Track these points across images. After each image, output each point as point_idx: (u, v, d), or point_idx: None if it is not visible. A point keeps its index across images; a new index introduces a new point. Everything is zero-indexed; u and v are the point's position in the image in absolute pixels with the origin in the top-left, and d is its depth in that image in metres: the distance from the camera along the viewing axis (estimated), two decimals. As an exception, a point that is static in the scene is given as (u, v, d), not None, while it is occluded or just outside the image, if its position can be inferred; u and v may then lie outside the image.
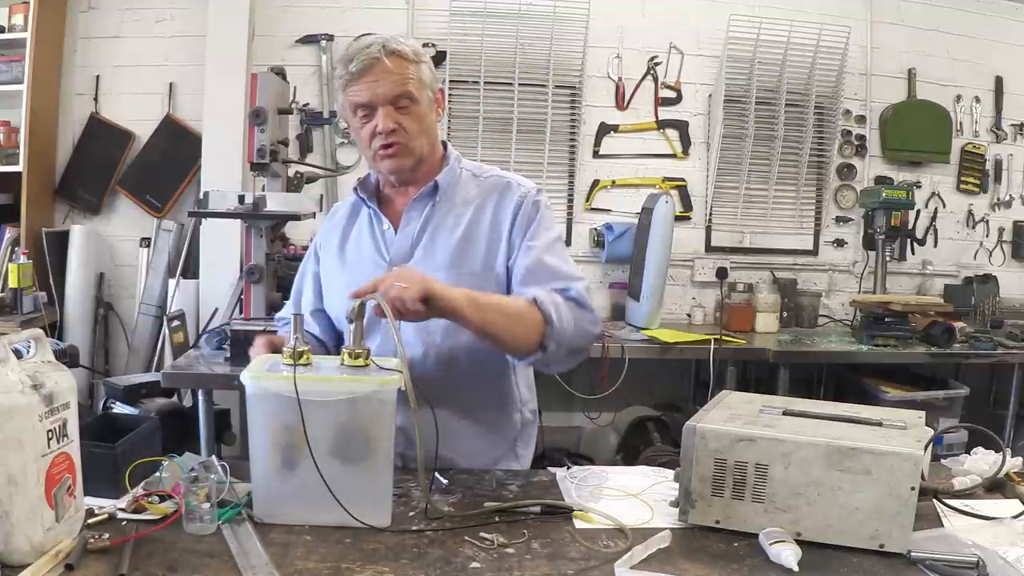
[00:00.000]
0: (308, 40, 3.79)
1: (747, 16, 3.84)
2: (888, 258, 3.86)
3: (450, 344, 1.56)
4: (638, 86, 3.96)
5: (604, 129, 3.96)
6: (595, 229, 3.94)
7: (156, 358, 3.68)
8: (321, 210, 3.70)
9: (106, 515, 1.22)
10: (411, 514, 1.29)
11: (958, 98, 4.14)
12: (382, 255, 1.61)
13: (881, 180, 4.07)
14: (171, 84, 3.76)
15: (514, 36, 3.78)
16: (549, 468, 1.58)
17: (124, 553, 1.10)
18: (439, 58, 3.79)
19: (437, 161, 1.65)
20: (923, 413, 1.34)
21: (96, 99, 3.76)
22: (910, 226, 3.79)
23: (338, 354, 1.33)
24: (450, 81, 3.79)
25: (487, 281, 1.57)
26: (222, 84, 3.48)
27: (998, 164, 4.20)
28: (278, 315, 1.90)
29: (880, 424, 1.27)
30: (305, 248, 3.19)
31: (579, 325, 1.50)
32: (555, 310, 1.46)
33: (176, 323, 2.99)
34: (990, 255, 4.24)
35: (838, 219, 4.14)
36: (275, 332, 1.67)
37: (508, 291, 1.58)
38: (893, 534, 1.15)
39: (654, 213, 3.46)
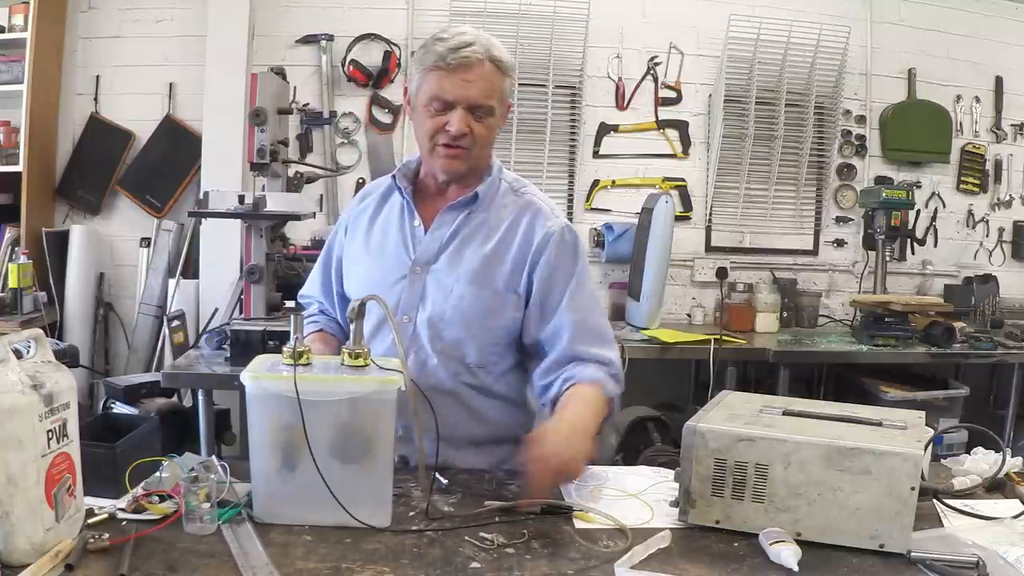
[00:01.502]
0: (308, 40, 3.79)
1: (747, 16, 3.84)
2: (888, 258, 3.86)
3: (460, 355, 1.56)
4: (638, 86, 3.96)
5: (604, 129, 3.96)
6: (595, 229, 3.93)
7: (156, 358, 3.68)
8: (321, 210, 3.72)
9: (106, 515, 1.22)
10: (411, 514, 1.29)
11: (958, 98, 4.14)
12: (408, 252, 1.59)
13: (881, 180, 4.07)
14: (171, 84, 3.76)
15: (514, 36, 3.78)
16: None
17: (124, 553, 1.10)
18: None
19: (482, 171, 1.63)
20: (923, 413, 1.34)
21: (96, 99, 3.76)
22: (910, 226, 3.79)
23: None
24: (450, 81, 3.79)
25: (507, 302, 1.57)
26: (222, 84, 3.48)
27: (998, 164, 4.20)
28: (301, 292, 1.83)
29: (880, 424, 1.27)
30: (306, 248, 3.24)
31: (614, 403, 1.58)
32: (615, 405, 1.57)
33: (176, 323, 2.99)
34: (990, 255, 4.24)
35: (838, 219, 4.14)
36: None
37: (526, 309, 1.58)
38: (893, 534, 1.15)
39: (654, 213, 3.46)
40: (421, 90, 1.51)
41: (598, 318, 1.62)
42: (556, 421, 1.44)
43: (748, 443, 1.21)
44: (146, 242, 3.77)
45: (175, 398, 2.87)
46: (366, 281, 1.60)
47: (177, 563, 1.10)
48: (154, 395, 2.72)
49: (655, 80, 3.97)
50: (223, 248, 3.41)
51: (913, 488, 1.14)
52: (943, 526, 1.28)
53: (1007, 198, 4.23)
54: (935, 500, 1.37)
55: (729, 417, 1.29)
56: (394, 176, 1.65)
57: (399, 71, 3.81)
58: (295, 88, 3.34)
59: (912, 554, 1.14)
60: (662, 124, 3.99)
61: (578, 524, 1.27)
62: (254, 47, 3.62)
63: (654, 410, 3.64)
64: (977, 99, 4.16)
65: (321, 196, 3.78)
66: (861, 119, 4.10)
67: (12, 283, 3.31)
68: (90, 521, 1.19)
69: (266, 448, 1.23)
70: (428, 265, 1.57)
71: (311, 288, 1.80)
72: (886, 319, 3.41)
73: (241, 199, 2.62)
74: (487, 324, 1.56)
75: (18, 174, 3.49)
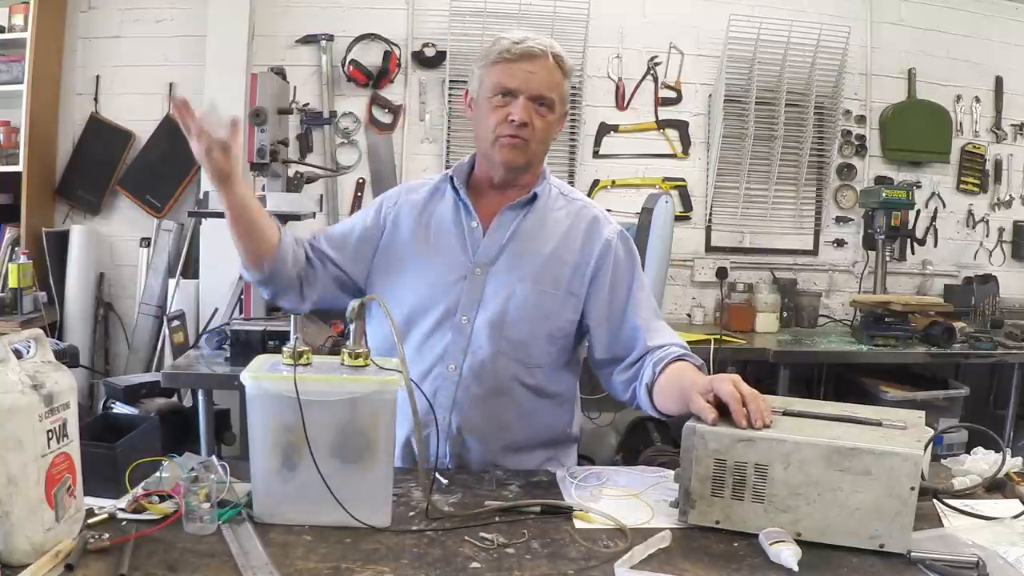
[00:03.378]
0: (308, 40, 3.79)
1: (747, 16, 3.84)
2: (888, 258, 3.86)
3: (519, 356, 1.58)
4: (638, 86, 3.96)
5: (604, 129, 3.96)
6: (595, 229, 3.93)
7: (156, 358, 3.68)
8: (321, 210, 3.72)
9: (106, 515, 1.22)
10: (411, 514, 1.29)
11: (958, 98, 4.14)
12: (467, 253, 1.60)
13: (881, 180, 4.07)
14: (171, 84, 3.76)
15: (514, 36, 3.77)
16: (549, 468, 1.59)
17: (124, 553, 1.10)
18: (439, 58, 3.79)
19: (536, 173, 1.66)
20: (923, 413, 1.34)
21: (96, 99, 3.76)
22: (910, 226, 3.79)
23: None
24: (450, 81, 3.79)
25: (566, 303, 1.59)
26: (222, 84, 3.47)
27: (998, 164, 4.20)
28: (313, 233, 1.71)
29: (880, 424, 1.27)
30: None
31: None
32: None
33: (176, 323, 2.99)
34: (990, 255, 4.23)
35: (838, 219, 4.14)
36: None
37: (583, 313, 1.61)
38: (893, 534, 1.15)
39: (654, 213, 3.45)
40: (484, 84, 1.55)
41: (656, 308, 1.66)
42: (704, 379, 1.39)
43: (748, 443, 1.21)
44: (146, 242, 3.77)
45: (175, 398, 2.87)
46: (423, 283, 1.59)
47: (177, 563, 1.10)
48: (154, 395, 2.72)
49: (655, 80, 3.96)
50: (223, 248, 3.35)
51: (913, 488, 1.14)
52: (943, 526, 1.28)
53: (1007, 198, 4.23)
54: (935, 500, 1.37)
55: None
56: (451, 177, 1.65)
57: (399, 71, 3.81)
58: (295, 88, 3.34)
59: (912, 554, 1.14)
60: (662, 124, 3.99)
61: (578, 524, 1.27)
62: (254, 47, 3.62)
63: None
64: (977, 99, 4.15)
65: (321, 196, 3.78)
66: (861, 119, 4.10)
67: (12, 283, 3.31)
68: (90, 521, 1.19)
69: (266, 448, 1.23)
70: (488, 266, 1.58)
71: (303, 229, 1.72)
72: (886, 319, 3.41)
73: (241, 199, 2.61)
74: (547, 324, 1.58)
75: (18, 174, 3.48)
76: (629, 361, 1.60)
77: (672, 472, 1.35)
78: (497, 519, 1.28)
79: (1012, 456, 1.50)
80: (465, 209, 1.62)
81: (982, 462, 1.52)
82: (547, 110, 1.54)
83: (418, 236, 1.63)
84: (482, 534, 1.21)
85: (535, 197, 1.61)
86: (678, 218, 3.76)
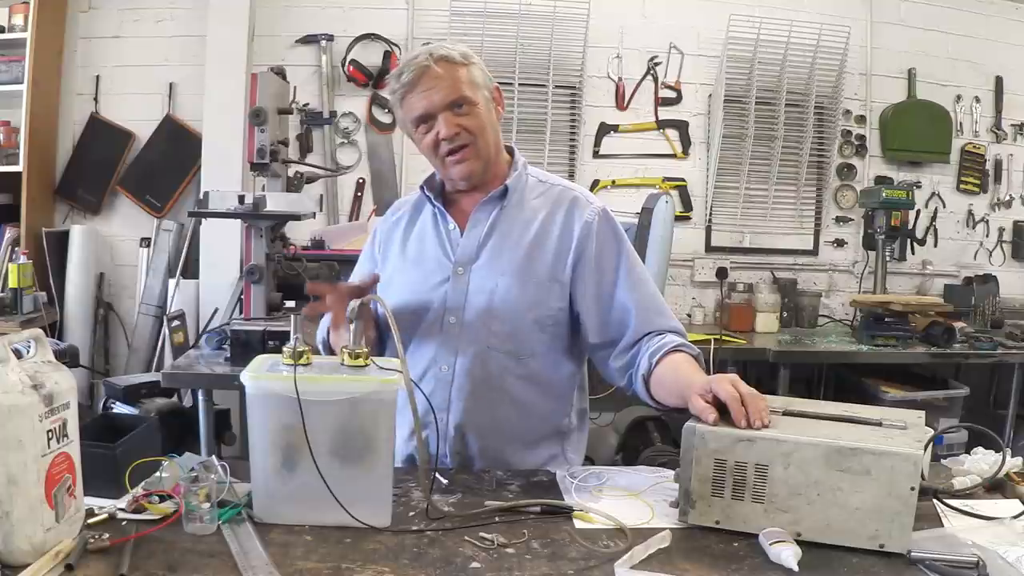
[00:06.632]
0: (308, 40, 3.80)
1: (747, 16, 3.85)
2: (888, 258, 3.86)
3: (509, 348, 1.57)
4: (638, 86, 3.97)
5: (604, 129, 3.96)
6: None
7: (156, 358, 3.68)
8: (321, 210, 3.72)
9: (106, 515, 1.22)
10: (411, 514, 1.29)
11: (958, 98, 4.14)
12: (447, 255, 1.61)
13: (881, 180, 4.07)
14: (171, 84, 3.76)
15: (514, 36, 3.78)
16: (555, 463, 1.59)
17: (124, 553, 1.10)
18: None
19: (504, 165, 1.65)
20: (923, 413, 1.33)
21: (96, 99, 3.76)
22: (910, 226, 3.79)
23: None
24: (450, 81, 3.79)
25: (551, 291, 1.58)
26: (222, 84, 3.48)
27: (998, 164, 4.20)
28: None
29: (880, 424, 1.27)
30: (305, 248, 3.24)
31: None
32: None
33: (176, 323, 2.99)
34: (990, 255, 4.24)
35: (838, 219, 4.14)
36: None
37: (571, 299, 1.59)
38: (893, 534, 1.15)
39: (654, 213, 3.45)
40: (405, 121, 1.59)
41: (654, 290, 1.64)
42: (702, 379, 1.39)
43: (748, 443, 1.21)
44: (146, 242, 3.77)
45: (175, 398, 2.88)
46: (410, 291, 1.61)
47: (177, 563, 1.10)
48: (154, 395, 2.73)
49: (655, 80, 3.97)
50: (223, 248, 3.41)
51: (913, 488, 1.14)
52: (943, 526, 1.28)
53: (1007, 198, 4.23)
54: (935, 500, 1.36)
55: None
56: (422, 187, 1.67)
57: (399, 71, 3.81)
58: (295, 88, 3.34)
59: (912, 554, 1.14)
60: (662, 124, 3.99)
61: (578, 524, 1.27)
62: (254, 47, 3.62)
63: (654, 410, 3.64)
64: (977, 99, 4.16)
65: (321, 196, 3.79)
66: (861, 119, 4.10)
67: (12, 283, 3.31)
68: (90, 521, 1.19)
69: (266, 448, 1.23)
70: (469, 264, 1.59)
71: None
72: (886, 319, 3.41)
73: (241, 199, 2.62)
74: (534, 314, 1.57)
75: (18, 174, 3.49)
76: (624, 345, 1.59)
77: (672, 472, 1.35)
78: (497, 519, 1.28)
79: (1012, 456, 1.50)
80: (441, 214, 1.64)
81: (982, 462, 1.52)
82: (467, 107, 1.53)
83: (404, 251, 1.67)
84: (482, 534, 1.21)
85: (506, 190, 1.61)
86: (678, 218, 3.76)
